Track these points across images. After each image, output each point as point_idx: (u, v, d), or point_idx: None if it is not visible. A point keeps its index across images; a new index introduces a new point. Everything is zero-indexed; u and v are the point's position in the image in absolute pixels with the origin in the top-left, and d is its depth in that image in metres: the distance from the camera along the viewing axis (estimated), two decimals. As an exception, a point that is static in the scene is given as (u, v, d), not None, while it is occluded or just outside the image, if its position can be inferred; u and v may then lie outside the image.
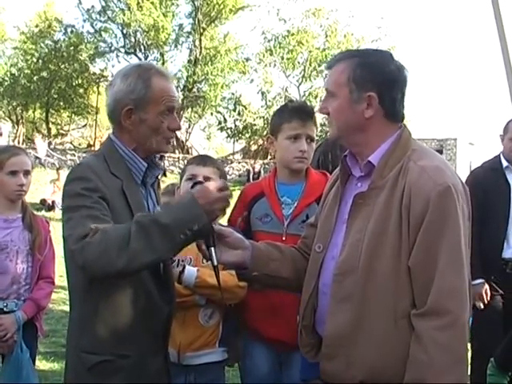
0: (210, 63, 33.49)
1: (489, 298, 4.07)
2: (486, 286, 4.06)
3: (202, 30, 33.78)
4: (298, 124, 2.89)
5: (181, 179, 2.98)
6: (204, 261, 2.59)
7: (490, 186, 4.11)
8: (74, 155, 28.00)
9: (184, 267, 2.75)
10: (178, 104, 2.30)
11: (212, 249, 2.06)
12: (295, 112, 2.93)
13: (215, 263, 2.06)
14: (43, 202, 16.97)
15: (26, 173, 3.34)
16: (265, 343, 2.93)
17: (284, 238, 2.80)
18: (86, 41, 35.23)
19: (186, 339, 2.77)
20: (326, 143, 3.42)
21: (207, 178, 2.79)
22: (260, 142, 34.03)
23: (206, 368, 2.82)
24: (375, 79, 2.01)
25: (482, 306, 4.05)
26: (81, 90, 36.24)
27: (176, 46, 35.57)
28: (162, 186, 3.26)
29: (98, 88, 35.20)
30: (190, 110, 35.16)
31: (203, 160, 2.95)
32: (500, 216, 4.09)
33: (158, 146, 2.24)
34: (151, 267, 2.09)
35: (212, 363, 2.84)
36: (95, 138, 36.16)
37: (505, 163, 4.31)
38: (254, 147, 34.99)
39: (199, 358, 2.81)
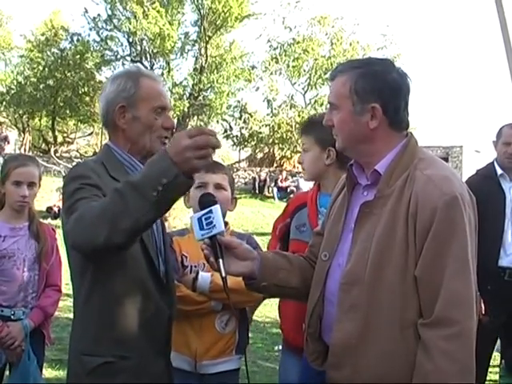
0: (215, 71, 33.52)
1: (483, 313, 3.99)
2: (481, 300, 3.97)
3: (207, 39, 33.82)
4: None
5: None
6: None
7: (484, 195, 3.94)
8: (80, 163, 27.98)
9: (197, 273, 2.73)
10: (168, 103, 2.31)
11: (220, 260, 2.04)
12: None
13: (224, 274, 2.04)
14: (49, 209, 17.04)
15: (31, 184, 3.33)
16: (296, 353, 2.92)
17: None
18: (92, 49, 35.28)
19: (203, 346, 2.75)
20: None
21: (218, 185, 2.79)
22: (266, 149, 34.00)
23: (221, 376, 2.79)
24: (378, 89, 2.00)
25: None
26: (87, 98, 36.23)
27: (182, 54, 35.61)
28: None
29: (104, 96, 35.13)
30: (195, 118, 35.18)
31: (212, 167, 2.89)
32: (495, 224, 4.05)
33: (152, 144, 2.23)
34: (135, 236, 1.92)
35: (228, 371, 2.81)
36: (101, 146, 36.12)
37: (499, 171, 4.24)
38: (259, 155, 34.89)
39: (216, 366, 2.78)
